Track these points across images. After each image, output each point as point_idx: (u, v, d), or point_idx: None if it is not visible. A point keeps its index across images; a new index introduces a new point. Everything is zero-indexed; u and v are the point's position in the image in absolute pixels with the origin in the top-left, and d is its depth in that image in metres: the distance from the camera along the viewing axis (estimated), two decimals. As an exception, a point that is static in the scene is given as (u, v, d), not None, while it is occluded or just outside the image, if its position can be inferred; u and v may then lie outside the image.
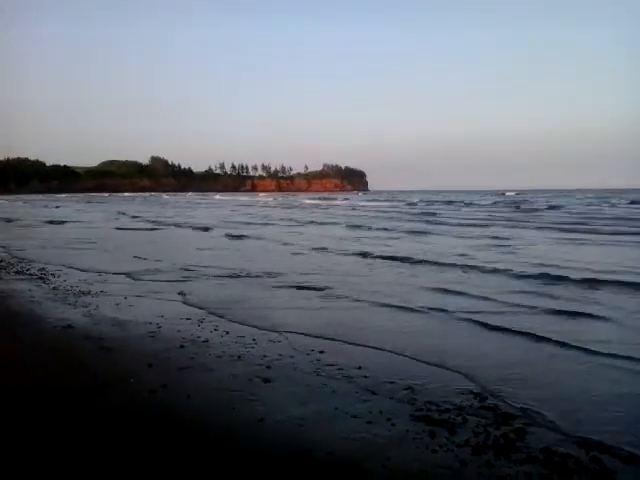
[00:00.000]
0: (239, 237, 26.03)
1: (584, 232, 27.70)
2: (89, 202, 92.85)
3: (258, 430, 5.09)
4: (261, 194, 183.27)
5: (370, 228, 32.55)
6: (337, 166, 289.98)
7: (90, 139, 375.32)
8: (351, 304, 10.77)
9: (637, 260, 17.60)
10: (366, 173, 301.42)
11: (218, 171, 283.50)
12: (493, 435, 5.03)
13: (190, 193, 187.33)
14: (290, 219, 42.99)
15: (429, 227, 32.76)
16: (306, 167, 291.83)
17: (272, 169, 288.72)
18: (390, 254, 18.54)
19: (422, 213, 50.80)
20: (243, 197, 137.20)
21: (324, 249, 20.69)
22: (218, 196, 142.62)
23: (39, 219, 40.29)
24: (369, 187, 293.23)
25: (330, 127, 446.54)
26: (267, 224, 37.24)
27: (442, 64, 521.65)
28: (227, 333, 8.39)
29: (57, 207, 68.45)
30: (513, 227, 32.32)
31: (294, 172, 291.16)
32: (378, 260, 17.54)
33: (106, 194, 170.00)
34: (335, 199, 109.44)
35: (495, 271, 14.76)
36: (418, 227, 32.55)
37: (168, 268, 15.30)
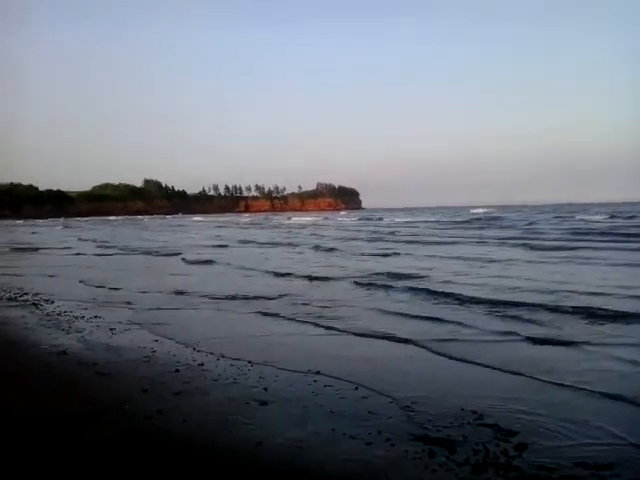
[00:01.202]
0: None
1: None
2: (67, 227, 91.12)
3: (256, 454, 5.04)
4: (246, 215, 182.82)
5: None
6: (331, 185, 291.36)
7: (83, 162, 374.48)
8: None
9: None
10: (359, 192, 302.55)
11: (212, 192, 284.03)
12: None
13: (169, 216, 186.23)
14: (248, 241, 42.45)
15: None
16: (300, 187, 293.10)
17: (266, 189, 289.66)
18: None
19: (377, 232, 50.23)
20: (223, 218, 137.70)
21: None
22: (198, 217, 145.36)
23: None
24: (363, 205, 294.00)
25: (324, 146, 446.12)
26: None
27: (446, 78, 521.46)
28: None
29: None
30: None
31: (288, 192, 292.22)
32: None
33: (97, 217, 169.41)
34: (318, 218, 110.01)
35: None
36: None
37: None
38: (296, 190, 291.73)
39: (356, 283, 16.12)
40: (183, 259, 26.27)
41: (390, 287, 15.12)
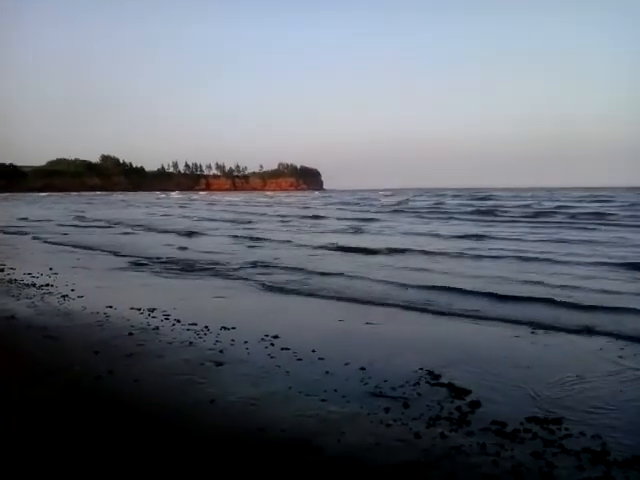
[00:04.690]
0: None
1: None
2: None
3: (209, 411, 4.94)
4: (200, 193, 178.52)
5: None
6: (292, 165, 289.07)
7: (37, 138, 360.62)
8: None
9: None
10: (321, 172, 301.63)
11: (171, 170, 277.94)
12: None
13: (117, 193, 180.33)
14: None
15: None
16: (261, 166, 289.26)
17: (227, 168, 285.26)
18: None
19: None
20: (214, 196, 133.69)
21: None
22: (174, 194, 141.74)
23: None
24: (324, 186, 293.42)
25: (286, 126, 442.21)
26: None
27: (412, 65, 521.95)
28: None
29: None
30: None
31: (249, 171, 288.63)
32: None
33: (59, 193, 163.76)
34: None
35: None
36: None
37: None
38: (257, 169, 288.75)
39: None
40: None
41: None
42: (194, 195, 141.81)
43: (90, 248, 18.84)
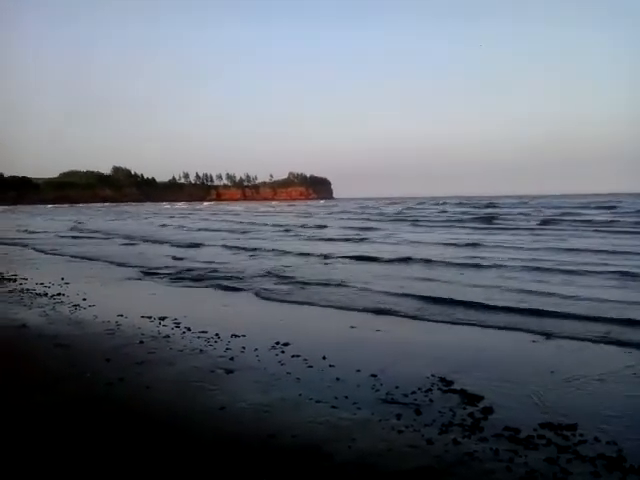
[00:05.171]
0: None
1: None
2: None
3: (219, 418, 4.92)
4: (205, 203, 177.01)
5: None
6: (302, 174, 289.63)
7: (50, 150, 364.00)
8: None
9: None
10: (332, 181, 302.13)
11: (182, 181, 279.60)
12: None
13: (124, 204, 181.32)
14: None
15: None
16: (271, 176, 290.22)
17: (237, 178, 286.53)
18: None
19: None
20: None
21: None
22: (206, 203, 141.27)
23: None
24: (334, 195, 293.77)
25: (296, 135, 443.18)
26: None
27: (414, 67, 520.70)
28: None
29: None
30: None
31: (259, 181, 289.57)
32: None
33: (66, 205, 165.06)
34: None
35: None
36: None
37: None
38: (267, 179, 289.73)
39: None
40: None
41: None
42: (198, 205, 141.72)
43: (89, 259, 18.73)
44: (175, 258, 18.42)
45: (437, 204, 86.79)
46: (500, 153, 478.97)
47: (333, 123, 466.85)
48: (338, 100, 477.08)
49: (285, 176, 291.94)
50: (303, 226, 39.08)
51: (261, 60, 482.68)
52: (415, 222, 41.16)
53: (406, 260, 16.85)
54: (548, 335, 7.92)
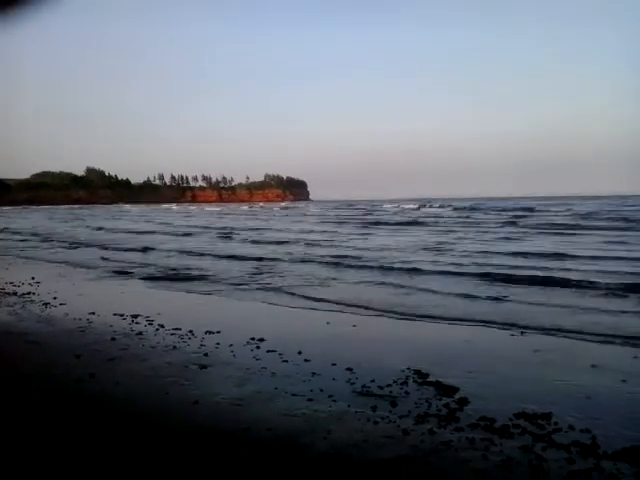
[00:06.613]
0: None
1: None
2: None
3: (192, 412, 4.82)
4: (173, 205, 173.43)
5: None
6: (279, 176, 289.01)
7: (22, 150, 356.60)
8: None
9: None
10: (309, 183, 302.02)
11: (157, 182, 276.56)
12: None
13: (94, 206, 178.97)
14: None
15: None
16: (247, 177, 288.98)
17: (213, 180, 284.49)
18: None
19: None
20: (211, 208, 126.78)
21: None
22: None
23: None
24: (311, 197, 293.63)
25: (272, 137, 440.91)
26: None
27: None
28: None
29: None
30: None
31: (235, 183, 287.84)
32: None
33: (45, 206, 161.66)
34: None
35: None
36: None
37: None
38: (244, 181, 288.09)
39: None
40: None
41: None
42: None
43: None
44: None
45: (414, 206, 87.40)
46: (491, 157, 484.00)
47: (314, 124, 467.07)
48: (321, 101, 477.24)
49: (262, 178, 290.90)
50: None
51: (237, 59, 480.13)
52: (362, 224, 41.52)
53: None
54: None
